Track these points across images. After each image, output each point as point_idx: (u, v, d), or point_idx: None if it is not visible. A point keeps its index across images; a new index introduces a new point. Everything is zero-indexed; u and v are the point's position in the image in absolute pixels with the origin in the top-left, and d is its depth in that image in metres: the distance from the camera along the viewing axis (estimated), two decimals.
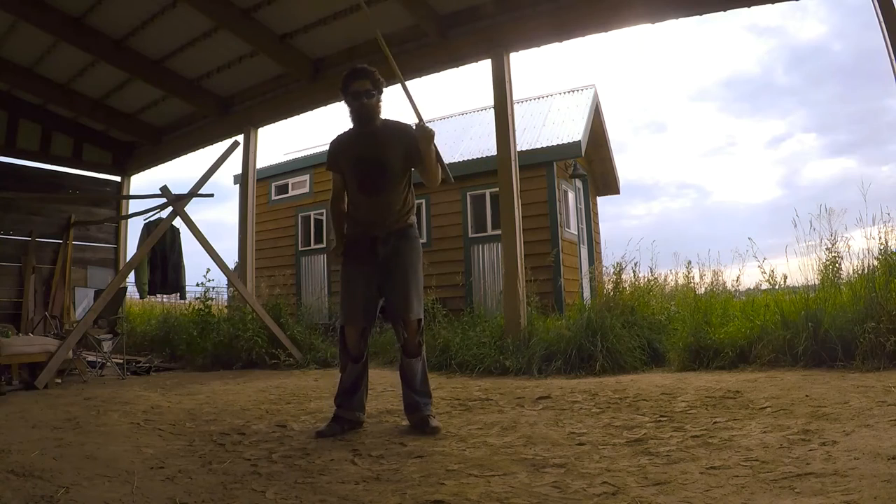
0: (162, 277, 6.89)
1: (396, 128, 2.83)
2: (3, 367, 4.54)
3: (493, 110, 5.52)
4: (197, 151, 8.13)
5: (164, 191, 5.84)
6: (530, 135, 8.29)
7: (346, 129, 2.91)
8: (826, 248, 4.23)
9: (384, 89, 2.83)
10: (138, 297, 7.72)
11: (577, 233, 8.65)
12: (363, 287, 2.78)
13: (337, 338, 3.06)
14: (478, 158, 8.01)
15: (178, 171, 30.35)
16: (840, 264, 4.19)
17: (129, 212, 8.11)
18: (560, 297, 7.05)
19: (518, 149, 5.67)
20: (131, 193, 8.85)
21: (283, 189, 10.03)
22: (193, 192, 5.89)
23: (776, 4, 4.48)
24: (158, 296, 8.06)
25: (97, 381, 5.14)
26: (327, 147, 3.01)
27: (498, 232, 6.56)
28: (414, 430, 2.72)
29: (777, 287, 4.47)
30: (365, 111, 2.76)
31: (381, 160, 2.75)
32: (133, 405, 3.63)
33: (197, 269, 13.73)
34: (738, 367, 3.97)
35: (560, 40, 5.21)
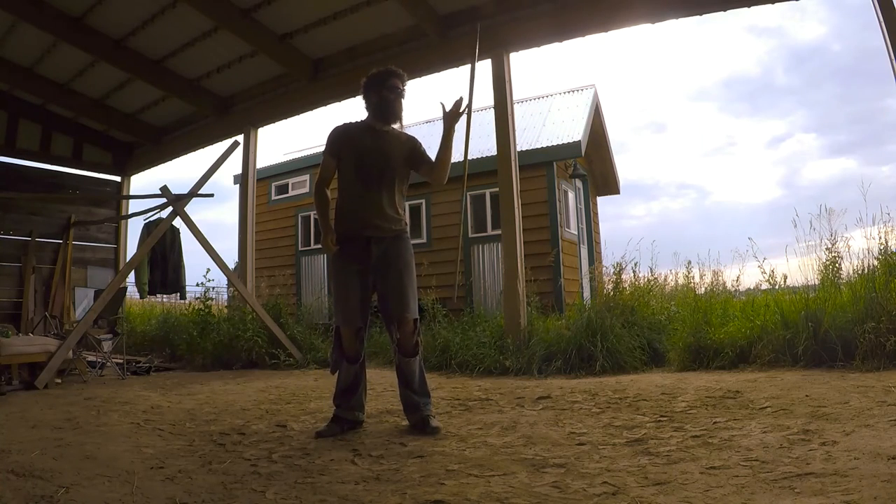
0: (162, 277, 6.90)
1: (404, 135, 2.97)
2: (3, 367, 4.53)
3: (493, 110, 5.52)
4: (197, 151, 8.13)
5: (164, 191, 5.84)
6: (530, 135, 8.29)
7: (352, 120, 2.95)
8: (826, 248, 4.22)
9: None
10: (138, 297, 7.73)
11: (577, 233, 8.65)
12: (358, 287, 2.78)
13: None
14: (478, 158, 7.99)
15: (178, 171, 30.46)
16: (840, 264, 4.18)
17: (129, 212, 8.11)
18: (560, 297, 7.05)
19: (518, 149, 5.67)
20: (131, 193, 8.85)
21: (283, 189, 10.03)
22: (193, 192, 5.90)
23: (776, 4, 4.48)
24: (158, 296, 8.06)
25: (97, 381, 5.14)
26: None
27: (498, 232, 6.56)
28: (414, 430, 2.72)
29: (777, 287, 4.46)
30: (398, 108, 2.90)
31: (388, 156, 2.83)
32: (133, 405, 3.63)
33: (197, 269, 13.75)
34: (738, 367, 3.97)
35: (560, 40, 5.21)
